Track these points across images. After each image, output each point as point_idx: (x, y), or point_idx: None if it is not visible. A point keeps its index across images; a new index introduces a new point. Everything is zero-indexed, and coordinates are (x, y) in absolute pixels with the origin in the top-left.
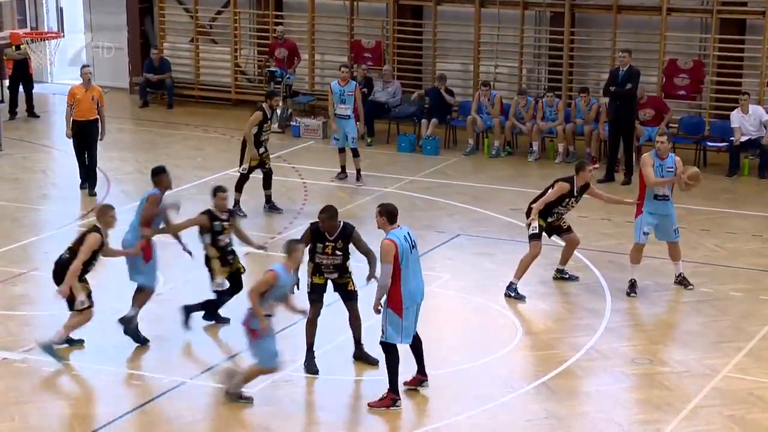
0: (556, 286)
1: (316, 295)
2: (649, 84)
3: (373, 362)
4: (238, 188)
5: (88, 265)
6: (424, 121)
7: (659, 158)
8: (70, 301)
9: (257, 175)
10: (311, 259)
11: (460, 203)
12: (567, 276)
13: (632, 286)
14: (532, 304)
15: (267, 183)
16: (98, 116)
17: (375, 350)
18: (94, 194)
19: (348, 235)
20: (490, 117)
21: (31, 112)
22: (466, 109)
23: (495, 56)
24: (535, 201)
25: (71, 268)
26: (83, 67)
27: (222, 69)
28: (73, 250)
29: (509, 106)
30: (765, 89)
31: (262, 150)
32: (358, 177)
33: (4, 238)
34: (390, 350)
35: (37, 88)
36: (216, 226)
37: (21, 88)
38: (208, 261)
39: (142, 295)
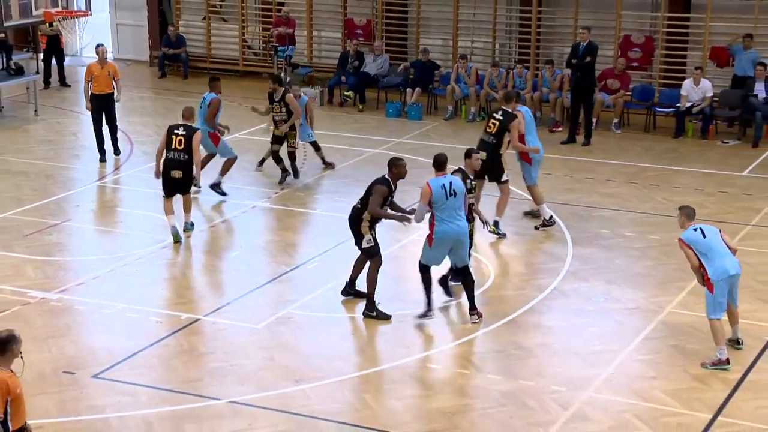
0: (526, 235)
1: (378, 247)
2: (606, 57)
3: (361, 295)
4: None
5: None
6: (409, 89)
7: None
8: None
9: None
10: (379, 213)
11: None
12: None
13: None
14: (504, 251)
15: (276, 157)
16: (114, 89)
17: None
18: (119, 152)
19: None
20: (467, 86)
21: (63, 82)
22: (446, 80)
23: (471, 33)
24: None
25: None
26: (98, 46)
27: (231, 44)
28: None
29: (484, 76)
30: (707, 62)
31: (273, 128)
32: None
33: (41, 193)
34: (422, 270)
35: (67, 61)
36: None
37: (54, 61)
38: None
39: (227, 163)
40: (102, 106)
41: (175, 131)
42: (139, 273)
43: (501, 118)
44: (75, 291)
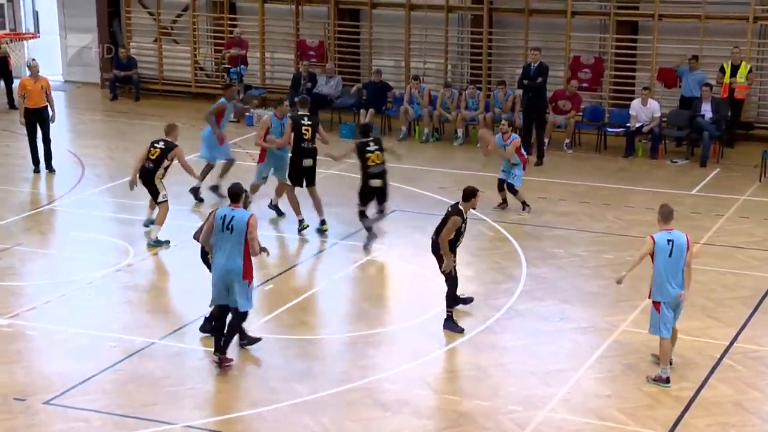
0: (481, 255)
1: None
2: (557, 78)
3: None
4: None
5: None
6: (362, 111)
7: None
8: (155, 194)
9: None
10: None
11: (394, 183)
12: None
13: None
14: (460, 272)
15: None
16: (47, 103)
17: None
18: (53, 170)
19: None
20: (420, 107)
21: (11, 105)
22: (399, 101)
23: (424, 54)
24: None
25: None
26: (32, 60)
27: (183, 66)
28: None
29: (437, 97)
30: (655, 83)
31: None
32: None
33: None
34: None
35: (16, 83)
36: None
37: (2, 84)
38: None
39: (225, 165)
40: (36, 120)
41: (155, 144)
42: (92, 297)
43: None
44: (26, 316)
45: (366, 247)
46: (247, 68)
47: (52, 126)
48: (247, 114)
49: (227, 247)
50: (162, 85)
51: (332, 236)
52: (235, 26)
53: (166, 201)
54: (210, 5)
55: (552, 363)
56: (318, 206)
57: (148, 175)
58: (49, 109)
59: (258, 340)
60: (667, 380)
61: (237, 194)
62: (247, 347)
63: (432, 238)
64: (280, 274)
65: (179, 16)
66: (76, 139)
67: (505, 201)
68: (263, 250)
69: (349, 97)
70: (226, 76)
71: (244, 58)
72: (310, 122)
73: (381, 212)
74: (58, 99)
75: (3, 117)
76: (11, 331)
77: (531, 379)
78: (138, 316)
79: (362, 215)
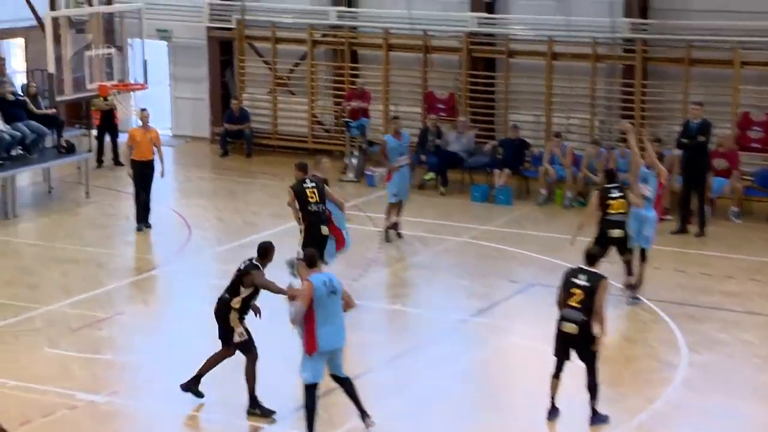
0: (634, 339)
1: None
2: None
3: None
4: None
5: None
6: (496, 171)
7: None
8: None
9: None
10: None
11: (532, 253)
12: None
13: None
14: (609, 355)
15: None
16: (156, 156)
17: None
18: (149, 226)
19: None
20: (563, 168)
21: (116, 161)
22: (538, 160)
23: (567, 107)
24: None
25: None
26: (142, 110)
27: (299, 119)
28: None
29: (582, 157)
30: None
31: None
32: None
33: (91, 283)
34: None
35: (122, 138)
36: None
37: (107, 138)
38: None
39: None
40: (143, 173)
41: (306, 185)
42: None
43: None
44: (126, 393)
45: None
46: (369, 122)
47: (158, 182)
48: (367, 173)
49: (334, 313)
50: (276, 140)
51: (460, 311)
52: (356, 76)
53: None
54: (330, 54)
55: None
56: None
57: (321, 221)
58: (157, 161)
59: (272, 413)
60: None
61: (266, 250)
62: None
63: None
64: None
65: (296, 65)
66: (183, 198)
67: (630, 271)
68: (287, 293)
69: (482, 155)
70: (345, 131)
71: (365, 111)
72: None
73: (632, 286)
74: (165, 155)
75: (107, 174)
76: (110, 409)
77: None
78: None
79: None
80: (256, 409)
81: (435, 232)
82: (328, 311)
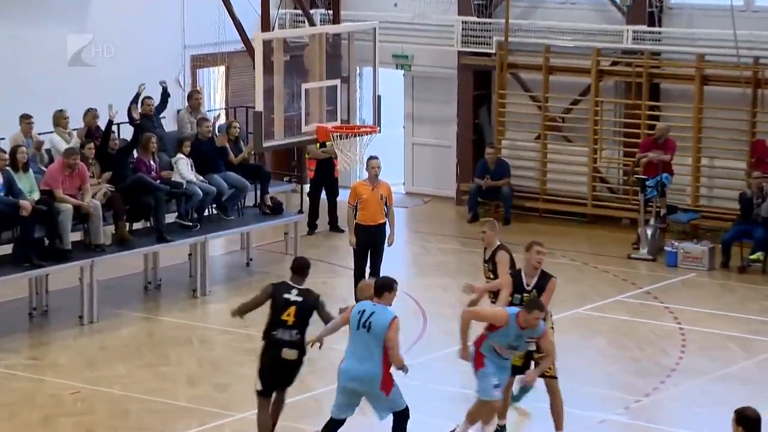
0: None
1: None
2: None
3: None
4: None
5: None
6: None
7: None
8: None
9: None
10: None
11: None
12: None
13: None
14: None
15: None
16: (387, 219)
17: None
18: None
19: None
20: None
21: (333, 225)
22: None
23: None
24: None
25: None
26: (370, 158)
27: (576, 174)
28: None
29: None
30: None
31: None
32: None
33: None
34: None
35: (342, 195)
36: None
37: (323, 195)
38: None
39: None
40: (370, 241)
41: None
42: None
43: None
44: None
45: None
46: (671, 179)
47: (387, 253)
48: (667, 248)
49: (361, 348)
50: (543, 202)
51: None
52: (656, 118)
53: None
54: (621, 88)
55: None
56: None
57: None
58: (387, 226)
59: None
60: None
61: (302, 267)
62: None
63: None
64: None
65: (575, 102)
66: (417, 277)
67: None
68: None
69: None
70: (639, 191)
71: (668, 165)
72: None
73: None
74: (397, 217)
75: (322, 243)
76: None
77: None
78: None
79: None
80: None
81: (761, 334)
82: (354, 344)
